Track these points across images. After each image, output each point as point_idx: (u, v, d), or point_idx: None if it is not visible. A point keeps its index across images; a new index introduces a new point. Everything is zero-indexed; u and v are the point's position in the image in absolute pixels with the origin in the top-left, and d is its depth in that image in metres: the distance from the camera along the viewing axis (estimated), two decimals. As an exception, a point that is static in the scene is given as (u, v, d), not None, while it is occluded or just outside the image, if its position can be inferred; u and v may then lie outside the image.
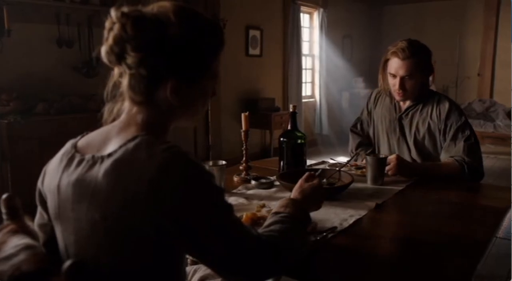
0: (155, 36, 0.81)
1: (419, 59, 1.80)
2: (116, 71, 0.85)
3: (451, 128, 1.81)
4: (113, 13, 0.81)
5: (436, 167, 1.79)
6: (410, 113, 1.92)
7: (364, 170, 1.76)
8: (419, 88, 1.86)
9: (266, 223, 0.96)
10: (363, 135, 2.15)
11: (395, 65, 1.82)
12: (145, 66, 0.81)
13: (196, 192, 0.77)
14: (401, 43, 1.82)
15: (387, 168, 1.70)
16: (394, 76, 1.84)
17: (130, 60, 0.81)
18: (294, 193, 1.11)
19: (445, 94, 2.00)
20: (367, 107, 2.13)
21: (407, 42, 1.81)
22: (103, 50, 0.82)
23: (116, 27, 0.80)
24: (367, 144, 2.12)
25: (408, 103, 1.93)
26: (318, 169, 1.55)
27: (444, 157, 1.82)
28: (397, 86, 1.84)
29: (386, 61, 1.88)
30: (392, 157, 1.72)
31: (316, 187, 1.13)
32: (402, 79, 1.82)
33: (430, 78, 1.92)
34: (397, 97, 1.91)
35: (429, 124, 1.87)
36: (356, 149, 2.12)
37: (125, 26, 0.80)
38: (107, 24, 0.82)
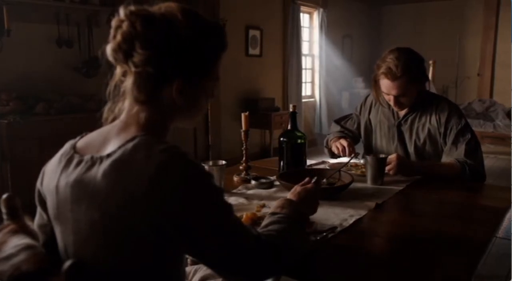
0: (164, 35, 0.81)
1: (410, 75, 1.74)
2: (118, 70, 0.85)
3: (452, 131, 1.81)
4: (121, 11, 0.82)
5: (437, 166, 1.79)
6: (409, 120, 1.91)
7: (364, 170, 1.76)
8: (416, 97, 1.84)
9: (264, 223, 0.96)
10: (345, 128, 2.14)
11: (386, 85, 1.79)
12: (152, 65, 0.81)
13: (196, 192, 0.77)
14: (389, 59, 1.75)
15: (387, 167, 1.70)
16: (388, 94, 1.82)
17: (137, 58, 0.81)
18: (289, 196, 1.11)
19: (444, 97, 1.99)
20: (360, 109, 2.12)
21: (395, 58, 1.73)
22: (109, 47, 0.83)
23: (125, 24, 0.81)
24: (345, 134, 2.10)
25: (406, 109, 1.91)
26: (312, 172, 1.54)
27: (445, 160, 1.82)
28: (392, 102, 1.84)
29: (377, 80, 1.84)
30: (392, 157, 1.71)
31: (310, 190, 1.13)
32: (396, 97, 1.80)
33: (427, 85, 1.89)
34: (395, 109, 1.91)
35: (429, 129, 1.86)
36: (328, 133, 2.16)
37: (134, 24, 0.80)
38: (114, 22, 0.82)
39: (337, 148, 1.94)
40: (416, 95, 1.84)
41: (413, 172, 1.74)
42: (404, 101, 1.83)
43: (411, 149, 1.92)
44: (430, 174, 1.73)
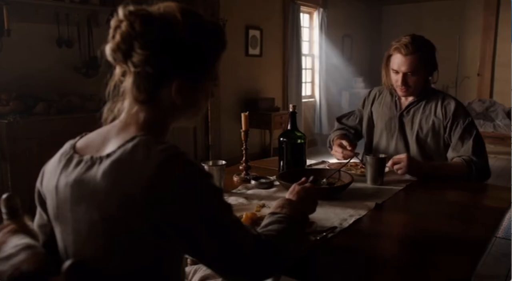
0: (163, 35, 0.81)
1: (422, 55, 1.79)
2: (118, 70, 0.85)
3: (458, 126, 1.81)
4: (120, 11, 0.82)
5: (445, 166, 1.78)
6: (412, 111, 1.91)
7: (363, 170, 1.76)
8: (422, 84, 1.85)
9: (264, 223, 0.96)
10: (347, 125, 2.15)
11: (397, 61, 1.82)
12: (151, 64, 0.81)
13: (195, 192, 0.77)
14: (404, 38, 1.81)
15: (396, 166, 1.70)
16: (397, 72, 1.83)
17: (136, 58, 0.81)
18: (288, 196, 1.11)
19: (448, 93, 2.00)
20: (364, 103, 2.12)
21: (410, 38, 1.80)
22: (108, 48, 0.83)
23: (124, 24, 0.81)
24: (345, 130, 2.12)
25: (409, 99, 1.92)
26: (311, 172, 1.54)
27: (451, 155, 1.81)
28: (399, 82, 1.83)
29: (389, 56, 1.87)
30: (402, 156, 1.70)
31: (309, 189, 1.13)
32: (404, 75, 1.81)
33: (435, 76, 1.89)
34: (400, 93, 1.90)
35: (433, 121, 1.86)
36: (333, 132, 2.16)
37: (133, 24, 0.80)
38: (113, 22, 0.82)
39: (336, 152, 1.94)
40: (423, 83, 1.85)
41: (421, 173, 1.71)
42: (411, 83, 1.83)
43: (412, 141, 1.91)
44: (437, 174, 1.71)
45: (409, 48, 1.78)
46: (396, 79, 1.85)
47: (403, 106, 1.94)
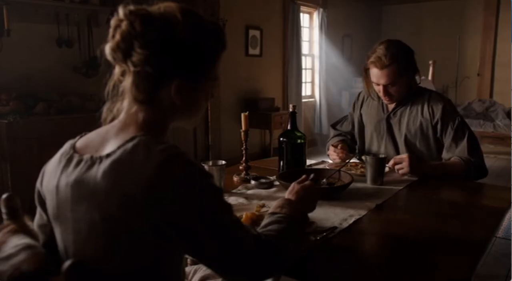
0: (163, 35, 0.82)
1: (399, 64, 1.75)
2: (117, 69, 0.85)
3: (449, 128, 1.80)
4: (120, 11, 0.82)
5: (444, 166, 1.77)
6: (399, 112, 1.91)
7: (363, 170, 1.76)
8: (406, 89, 1.84)
9: (263, 223, 0.96)
10: (342, 132, 2.16)
11: (375, 74, 1.80)
12: (151, 64, 0.81)
13: (195, 192, 0.77)
14: (378, 49, 1.78)
15: (397, 166, 1.70)
16: (377, 84, 1.83)
17: (136, 57, 0.81)
18: (288, 195, 1.11)
19: (436, 91, 1.98)
20: (354, 107, 2.13)
21: (384, 48, 1.76)
22: (108, 47, 0.83)
23: (124, 24, 0.81)
24: (343, 136, 2.13)
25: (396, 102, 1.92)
26: (311, 172, 1.55)
27: (446, 157, 1.81)
28: (381, 93, 1.83)
29: (367, 69, 1.86)
30: (404, 156, 1.70)
31: (308, 188, 1.13)
32: (385, 87, 1.81)
33: (417, 78, 1.88)
34: (385, 102, 1.91)
35: (420, 122, 1.85)
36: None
37: (133, 23, 0.80)
38: (113, 22, 0.82)
39: (332, 152, 1.96)
40: (407, 88, 1.84)
41: (421, 173, 1.71)
42: (393, 92, 1.83)
43: (401, 142, 1.90)
44: (437, 174, 1.71)
45: (383, 61, 1.74)
46: (378, 90, 1.85)
47: (390, 108, 1.94)
